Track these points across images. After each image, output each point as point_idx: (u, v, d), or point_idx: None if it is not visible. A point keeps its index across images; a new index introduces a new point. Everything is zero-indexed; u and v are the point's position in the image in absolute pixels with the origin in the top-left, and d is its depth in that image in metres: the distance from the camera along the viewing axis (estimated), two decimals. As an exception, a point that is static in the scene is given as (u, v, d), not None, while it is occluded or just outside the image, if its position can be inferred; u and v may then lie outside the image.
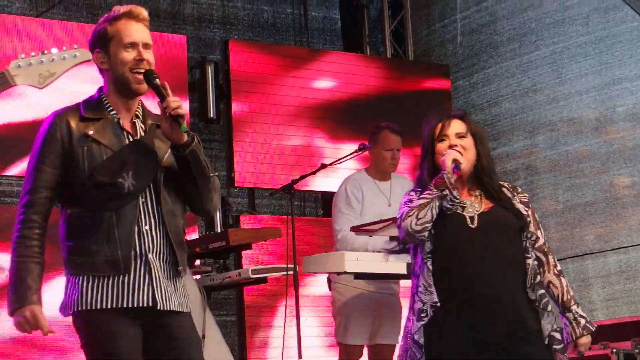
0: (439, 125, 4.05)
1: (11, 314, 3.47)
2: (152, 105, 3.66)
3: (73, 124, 3.50)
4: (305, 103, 8.52)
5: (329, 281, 6.29)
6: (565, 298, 4.01)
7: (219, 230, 7.59)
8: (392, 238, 5.77)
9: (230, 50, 8.33)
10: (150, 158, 3.52)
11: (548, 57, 8.38)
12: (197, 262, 6.63)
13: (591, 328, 4.01)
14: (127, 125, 3.57)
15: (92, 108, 3.56)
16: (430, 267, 3.89)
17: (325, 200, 8.48)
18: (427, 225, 3.88)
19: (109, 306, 3.42)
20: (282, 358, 6.43)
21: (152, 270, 3.47)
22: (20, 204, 3.50)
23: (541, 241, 4.02)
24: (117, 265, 3.44)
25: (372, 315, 6.17)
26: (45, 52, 3.37)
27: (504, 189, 4.05)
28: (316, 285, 7.68)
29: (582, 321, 4.00)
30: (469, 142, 4.01)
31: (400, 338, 6.26)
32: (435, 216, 3.88)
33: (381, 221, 5.72)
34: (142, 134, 3.57)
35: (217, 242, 6.22)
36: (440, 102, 8.98)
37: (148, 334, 3.49)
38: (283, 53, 8.59)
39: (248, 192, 8.49)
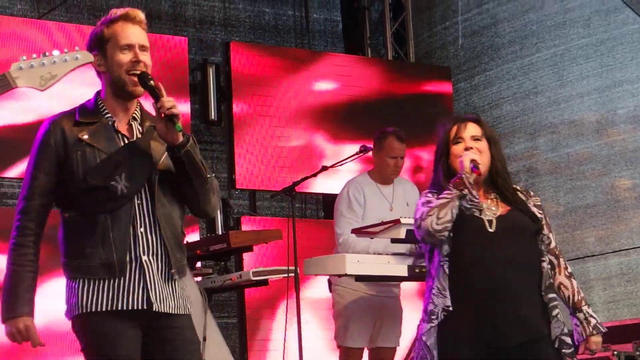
0: (455, 128, 4.06)
1: (3, 322, 3.50)
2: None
3: (67, 129, 3.52)
4: (307, 105, 8.53)
5: (330, 283, 6.28)
6: (576, 299, 4.03)
7: (220, 233, 7.58)
8: (393, 240, 5.77)
9: (232, 52, 8.33)
10: (144, 160, 3.52)
11: (549, 59, 8.38)
12: (198, 264, 6.63)
13: (602, 329, 4.03)
14: (123, 128, 3.57)
15: (87, 112, 3.57)
16: (447, 271, 3.90)
17: (327, 202, 8.48)
18: (447, 225, 3.88)
19: (105, 309, 3.43)
20: (283, 360, 6.44)
21: (147, 272, 3.47)
22: (16, 209, 3.53)
23: (553, 244, 4.06)
24: (112, 268, 3.44)
25: (372, 318, 6.16)
26: (47, 54, 3.36)
27: (518, 192, 4.08)
28: (317, 288, 7.68)
29: (593, 321, 4.02)
30: (483, 145, 4.03)
31: (400, 341, 6.32)
32: (455, 216, 3.89)
33: (382, 223, 5.71)
34: (139, 136, 3.57)
35: (218, 244, 6.23)
36: (441, 104, 8.99)
37: (145, 336, 3.50)
38: (284, 55, 8.59)
39: (249, 194, 8.49)
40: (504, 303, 3.85)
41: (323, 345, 7.63)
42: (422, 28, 9.44)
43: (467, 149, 3.99)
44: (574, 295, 4.03)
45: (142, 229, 3.49)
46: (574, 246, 7.98)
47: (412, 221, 5.57)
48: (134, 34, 3.56)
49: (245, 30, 8.75)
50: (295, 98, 8.48)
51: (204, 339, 5.61)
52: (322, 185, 8.16)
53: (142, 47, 3.56)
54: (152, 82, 3.50)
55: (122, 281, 3.45)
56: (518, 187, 4.12)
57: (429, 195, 4.03)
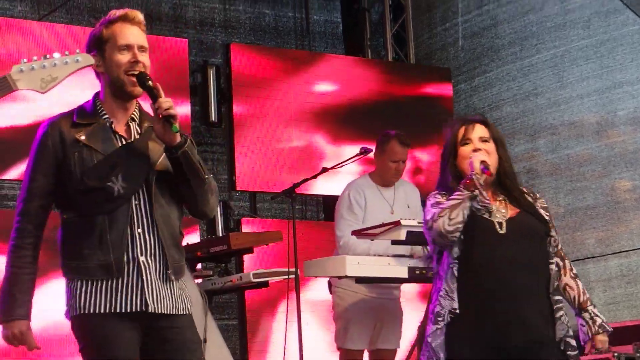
0: (462, 129, 4.06)
1: (0, 323, 3.51)
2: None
3: (65, 130, 3.53)
4: (307, 106, 8.52)
5: (330, 285, 6.28)
6: (582, 299, 4.04)
7: (221, 234, 7.58)
8: (393, 242, 5.77)
9: (232, 53, 8.33)
10: (141, 160, 3.52)
11: (549, 60, 8.38)
12: (199, 266, 6.63)
13: (607, 328, 4.04)
14: (121, 129, 3.58)
15: (85, 113, 3.58)
16: (456, 273, 3.90)
17: (327, 204, 8.48)
18: (459, 226, 3.87)
19: (103, 310, 3.44)
20: (284, 361, 6.44)
21: (145, 273, 3.47)
22: (16, 211, 3.55)
23: (559, 246, 4.07)
24: (110, 269, 3.45)
25: (372, 320, 6.16)
26: (48, 56, 3.37)
27: (525, 194, 4.08)
28: (317, 289, 7.68)
29: (599, 320, 4.03)
30: (491, 146, 4.03)
31: (400, 342, 6.31)
32: (466, 217, 3.89)
33: (382, 225, 5.71)
34: (137, 136, 3.58)
35: (218, 246, 6.23)
36: (441, 105, 8.99)
37: (145, 336, 3.50)
38: (284, 56, 8.59)
39: (249, 196, 8.49)
40: (511, 305, 3.85)
41: (323, 347, 7.63)
42: (422, 29, 9.44)
43: (475, 150, 3.99)
44: (579, 296, 4.04)
45: (139, 230, 3.49)
46: (574, 248, 7.98)
47: (412, 222, 5.63)
48: (133, 34, 3.57)
49: (246, 32, 8.75)
50: (295, 99, 8.48)
51: (205, 341, 5.62)
52: (322, 186, 8.15)
53: (141, 48, 3.57)
54: (150, 82, 3.50)
55: (119, 282, 3.46)
56: (524, 189, 4.12)
57: (438, 196, 4.01)
